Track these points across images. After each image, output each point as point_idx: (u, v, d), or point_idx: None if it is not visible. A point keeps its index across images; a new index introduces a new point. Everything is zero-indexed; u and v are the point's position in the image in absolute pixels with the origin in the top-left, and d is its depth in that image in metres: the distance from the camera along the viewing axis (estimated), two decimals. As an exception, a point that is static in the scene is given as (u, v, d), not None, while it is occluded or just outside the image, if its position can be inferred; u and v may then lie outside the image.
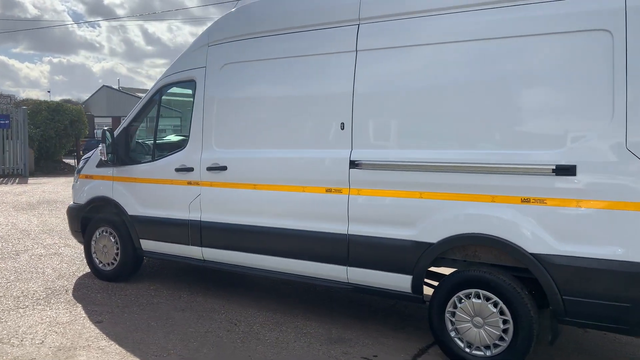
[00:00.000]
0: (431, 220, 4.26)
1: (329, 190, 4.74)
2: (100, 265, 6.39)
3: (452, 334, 4.24)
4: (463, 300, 4.18)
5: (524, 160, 3.89)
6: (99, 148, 6.09)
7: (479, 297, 4.11)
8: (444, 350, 4.31)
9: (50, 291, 5.89)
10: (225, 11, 5.81)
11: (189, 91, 5.81)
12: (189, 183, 5.59)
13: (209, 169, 5.41)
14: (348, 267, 4.69)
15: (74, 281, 6.31)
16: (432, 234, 4.25)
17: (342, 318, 5.19)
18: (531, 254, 3.87)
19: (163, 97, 6.02)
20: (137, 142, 6.36)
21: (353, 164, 4.58)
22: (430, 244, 4.26)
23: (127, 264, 6.20)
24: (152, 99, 6.01)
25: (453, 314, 4.24)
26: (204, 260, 5.61)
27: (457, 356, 4.20)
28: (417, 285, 4.39)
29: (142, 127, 6.41)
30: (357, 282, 4.70)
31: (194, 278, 6.52)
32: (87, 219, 6.50)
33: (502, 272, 4.09)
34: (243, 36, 5.27)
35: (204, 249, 5.55)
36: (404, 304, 5.57)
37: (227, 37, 5.40)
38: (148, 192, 5.92)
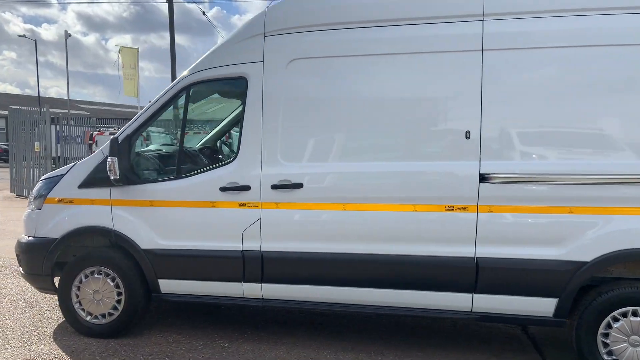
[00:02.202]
0: (584, 237, 3.95)
1: (449, 209, 4.14)
2: (89, 318, 4.79)
3: (605, 357, 3.99)
4: (619, 320, 3.96)
5: None
6: (95, 161, 4.54)
7: (636, 315, 3.93)
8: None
9: (41, 364, 4.23)
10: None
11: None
12: (242, 205, 4.47)
13: (275, 187, 4.38)
14: (474, 295, 4.15)
15: (56, 343, 4.63)
16: (586, 252, 3.95)
17: (431, 350, 4.61)
18: None
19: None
20: (148, 154, 4.92)
21: (483, 178, 4.06)
22: (583, 263, 3.96)
23: (135, 313, 4.74)
24: (174, 98, 4.67)
25: (606, 335, 4.00)
26: (262, 299, 4.54)
27: (614, 379, 3.97)
28: (562, 309, 4.04)
29: (152, 134, 4.97)
30: (485, 310, 4.18)
31: (205, 319, 5.28)
32: (63, 258, 4.85)
33: (653, 286, 3.98)
34: (323, 26, 4.34)
35: (264, 285, 4.48)
36: (479, 324, 5.17)
37: (296, 26, 4.41)
38: (174, 219, 4.60)
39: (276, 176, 4.39)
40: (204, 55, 4.68)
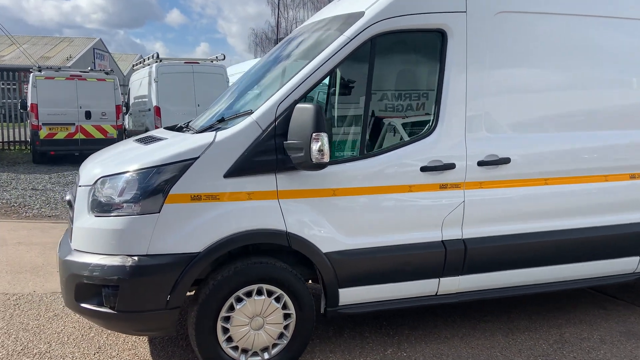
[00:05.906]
0: None
1: (633, 177, 4.25)
2: (244, 357, 3.41)
3: None
4: None
5: None
6: (248, 136, 3.19)
7: None
8: None
9: None
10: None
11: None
12: (443, 187, 3.73)
13: (482, 163, 3.78)
14: (643, 257, 4.39)
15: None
16: None
17: (538, 317, 4.71)
18: None
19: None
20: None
21: (658, 146, 4.28)
22: None
23: (308, 337, 3.57)
24: (356, 51, 3.49)
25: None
26: (457, 294, 3.93)
27: None
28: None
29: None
30: (646, 269, 4.46)
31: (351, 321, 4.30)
32: (204, 278, 3.33)
33: None
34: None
35: (462, 277, 3.88)
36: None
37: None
38: (363, 210, 3.58)
39: (483, 151, 3.80)
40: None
